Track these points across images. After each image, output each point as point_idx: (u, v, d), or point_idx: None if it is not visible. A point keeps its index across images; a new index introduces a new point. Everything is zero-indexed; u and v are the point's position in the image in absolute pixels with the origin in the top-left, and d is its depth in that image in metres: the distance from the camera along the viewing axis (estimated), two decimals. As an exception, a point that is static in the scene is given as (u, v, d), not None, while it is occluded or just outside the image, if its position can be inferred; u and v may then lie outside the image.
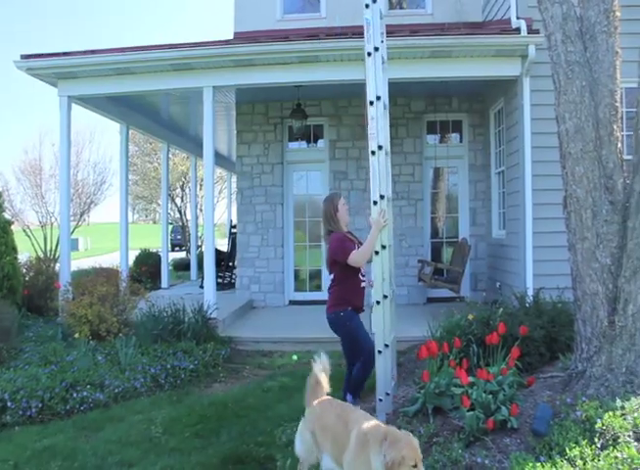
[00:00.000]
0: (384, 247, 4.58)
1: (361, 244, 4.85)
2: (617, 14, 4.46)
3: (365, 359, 4.66)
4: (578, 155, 4.35)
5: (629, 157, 4.40)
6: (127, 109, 10.53)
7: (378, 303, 4.56)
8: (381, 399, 4.55)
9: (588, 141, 4.34)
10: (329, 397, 3.79)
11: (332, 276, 4.78)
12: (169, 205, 22.36)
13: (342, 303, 4.68)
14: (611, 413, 3.69)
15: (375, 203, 4.62)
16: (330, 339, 7.41)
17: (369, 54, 4.73)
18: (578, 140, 4.36)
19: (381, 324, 4.56)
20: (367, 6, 4.81)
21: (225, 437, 4.59)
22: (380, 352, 4.57)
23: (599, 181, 4.32)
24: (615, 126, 4.40)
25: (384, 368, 4.58)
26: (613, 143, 4.38)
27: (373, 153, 4.62)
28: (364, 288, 4.81)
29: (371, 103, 4.65)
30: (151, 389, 5.76)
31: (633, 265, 4.13)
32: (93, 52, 8.19)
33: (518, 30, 7.40)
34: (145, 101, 10.25)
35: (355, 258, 4.63)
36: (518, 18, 7.56)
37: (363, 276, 4.79)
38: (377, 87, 4.68)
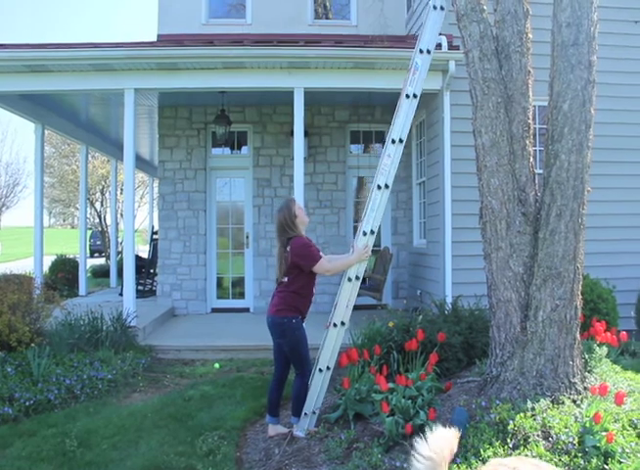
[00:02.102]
0: (357, 278, 4.62)
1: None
2: (530, 35, 4.70)
3: (306, 379, 4.59)
4: (494, 168, 4.54)
5: (541, 171, 4.64)
6: (43, 108, 10.11)
7: (335, 325, 4.58)
8: (306, 414, 4.55)
9: (503, 155, 4.54)
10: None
11: (285, 279, 4.59)
12: (88, 209, 21.66)
13: (294, 310, 4.54)
14: (522, 415, 3.87)
15: (365, 234, 4.66)
16: (253, 347, 7.44)
17: (407, 96, 4.78)
18: (494, 154, 4.55)
19: (330, 346, 4.59)
20: (421, 51, 4.82)
21: (144, 448, 4.47)
22: (321, 370, 4.58)
23: (513, 193, 4.52)
24: (527, 142, 4.63)
25: (320, 387, 4.59)
26: (525, 157, 4.60)
27: (379, 187, 4.68)
28: (313, 297, 4.77)
29: (393, 141, 4.69)
30: (66, 401, 5.53)
31: (543, 274, 4.34)
32: (2, 46, 7.78)
33: (439, 46, 7.64)
34: (63, 101, 9.88)
35: (325, 266, 4.54)
36: (439, 34, 7.81)
37: (314, 286, 4.75)
38: (403, 130, 4.74)
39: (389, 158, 4.69)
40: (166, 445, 4.51)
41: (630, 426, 3.91)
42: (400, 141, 4.73)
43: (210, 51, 7.76)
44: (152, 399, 5.76)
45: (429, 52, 4.83)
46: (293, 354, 4.60)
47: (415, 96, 4.81)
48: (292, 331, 4.52)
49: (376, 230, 4.72)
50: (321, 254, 4.62)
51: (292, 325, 4.51)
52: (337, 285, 9.46)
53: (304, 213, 4.75)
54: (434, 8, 4.72)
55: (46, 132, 11.11)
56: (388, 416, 4.11)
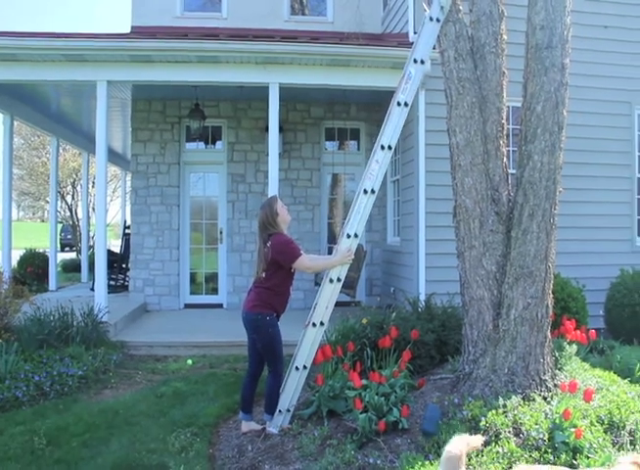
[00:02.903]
0: (339, 279, 4.61)
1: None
2: (505, 37, 4.75)
3: (279, 377, 4.59)
4: (468, 167, 4.59)
5: (514, 171, 4.70)
6: (12, 98, 9.89)
7: (314, 325, 4.57)
8: (280, 411, 4.55)
9: (477, 154, 4.58)
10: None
11: (263, 275, 4.55)
12: (59, 202, 21.32)
13: (269, 306, 4.53)
14: (494, 412, 3.92)
15: (348, 236, 4.65)
16: (226, 343, 7.41)
17: (399, 104, 4.77)
18: (468, 153, 4.59)
19: (308, 346, 4.58)
20: (415, 61, 4.80)
21: (115, 445, 4.42)
22: (297, 368, 4.57)
23: (486, 193, 4.57)
24: (501, 142, 4.68)
25: (296, 385, 4.58)
26: (499, 157, 4.66)
27: (365, 192, 4.69)
28: (290, 296, 4.73)
29: (382, 147, 4.69)
30: (34, 398, 5.42)
31: (516, 273, 4.40)
32: (-30, 34, 7.60)
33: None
34: (33, 91, 9.67)
35: (305, 264, 4.55)
36: (415, 32, 7.84)
37: (291, 285, 4.73)
38: (392, 137, 4.74)
39: (378, 163, 4.71)
40: (138, 442, 4.46)
41: (598, 422, 3.99)
42: (389, 148, 4.73)
43: (185, 44, 7.68)
44: (123, 395, 5.70)
45: (422, 62, 4.84)
46: (266, 352, 4.60)
47: (407, 105, 4.82)
48: (265, 328, 4.51)
49: (360, 234, 4.74)
50: (302, 251, 4.61)
51: (266, 322, 4.50)
52: (310, 281, 9.55)
53: (287, 212, 4.74)
54: (431, 19, 4.74)
55: (15, 123, 10.90)
56: (361, 413, 4.13)
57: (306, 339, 4.59)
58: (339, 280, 4.62)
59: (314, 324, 4.58)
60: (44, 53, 7.58)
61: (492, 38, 4.69)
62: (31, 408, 5.24)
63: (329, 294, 4.61)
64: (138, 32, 9.31)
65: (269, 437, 4.43)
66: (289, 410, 4.57)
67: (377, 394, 4.29)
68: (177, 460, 4.12)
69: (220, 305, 10.35)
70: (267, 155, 8.12)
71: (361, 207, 4.74)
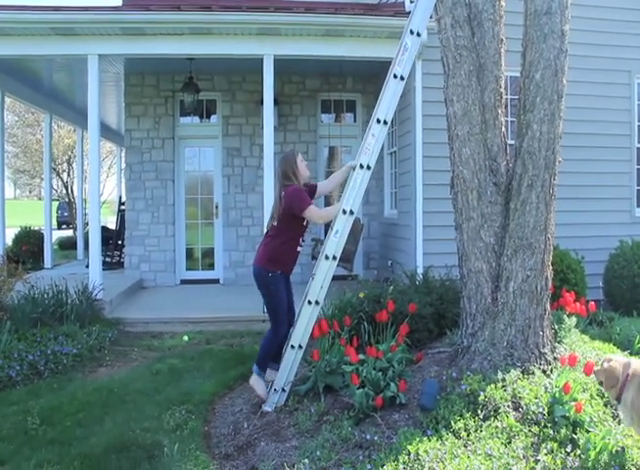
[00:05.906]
0: (334, 257, 4.52)
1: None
2: (503, 3, 4.60)
3: (276, 336, 4.62)
4: (465, 137, 4.47)
5: (512, 142, 4.59)
6: (2, 74, 9.72)
7: (310, 303, 4.50)
8: (276, 390, 4.48)
9: (475, 124, 4.46)
10: None
11: (275, 224, 4.59)
12: (55, 180, 21.16)
13: (276, 263, 4.56)
14: (492, 386, 3.87)
15: (344, 212, 4.56)
16: (223, 318, 7.39)
17: (395, 76, 4.64)
18: (465, 123, 4.47)
19: (304, 324, 4.51)
20: (411, 32, 4.65)
21: (109, 424, 4.38)
22: (293, 347, 4.51)
23: (484, 163, 4.46)
24: (499, 111, 4.56)
25: (291, 364, 4.51)
26: (497, 127, 4.54)
27: (361, 167, 4.58)
28: (299, 253, 4.74)
29: (378, 121, 4.57)
30: (28, 377, 5.36)
31: (514, 244, 4.32)
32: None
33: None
34: (23, 66, 9.50)
35: (316, 212, 4.60)
36: (411, 1, 7.65)
37: (303, 241, 4.74)
38: (388, 111, 4.62)
39: (374, 137, 4.59)
40: (133, 420, 4.41)
41: (598, 395, 3.95)
42: (385, 122, 4.61)
43: (178, 16, 7.52)
44: (118, 373, 5.65)
45: (419, 34, 4.69)
46: (267, 307, 4.71)
47: (402, 78, 4.68)
48: (267, 285, 4.58)
49: (356, 210, 4.63)
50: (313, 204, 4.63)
51: (268, 279, 4.56)
52: (307, 255, 9.46)
53: (305, 167, 4.76)
54: None
55: (8, 100, 10.72)
56: (358, 388, 4.07)
57: (302, 317, 4.52)
58: (334, 258, 4.53)
59: (309, 302, 4.51)
60: (32, 26, 7.44)
61: (490, 5, 4.53)
62: (25, 388, 5.18)
63: (324, 272, 4.52)
64: (130, 5, 9.08)
65: (265, 414, 4.39)
66: (284, 389, 4.51)
67: (374, 368, 4.24)
68: (172, 438, 4.07)
69: (217, 281, 10.31)
70: (262, 128, 7.99)
71: (357, 182, 4.62)
